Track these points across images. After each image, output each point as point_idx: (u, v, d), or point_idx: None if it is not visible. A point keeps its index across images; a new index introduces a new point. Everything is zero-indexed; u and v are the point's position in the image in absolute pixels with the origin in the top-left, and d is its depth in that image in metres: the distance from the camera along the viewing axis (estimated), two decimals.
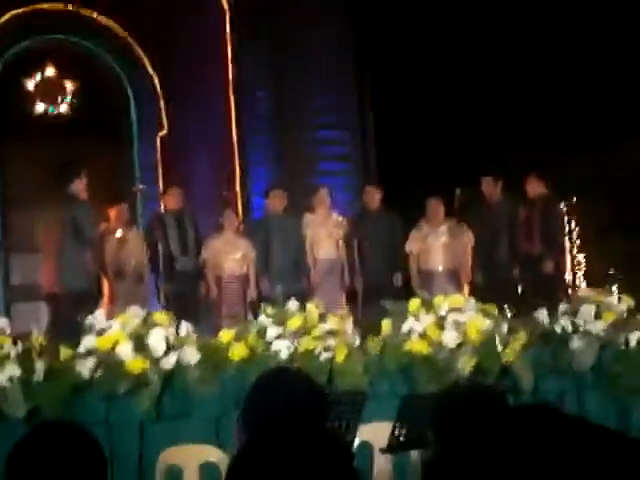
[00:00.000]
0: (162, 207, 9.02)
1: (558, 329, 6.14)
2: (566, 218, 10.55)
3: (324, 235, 8.46)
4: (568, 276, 9.16)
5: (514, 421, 1.57)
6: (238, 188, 10.78)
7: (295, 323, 5.57)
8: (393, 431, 4.60)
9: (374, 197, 8.70)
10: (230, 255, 8.20)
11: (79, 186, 6.96)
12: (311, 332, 5.57)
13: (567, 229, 10.68)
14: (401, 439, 4.59)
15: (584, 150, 11.52)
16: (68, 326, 5.83)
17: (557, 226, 8.55)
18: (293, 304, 5.73)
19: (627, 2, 10.71)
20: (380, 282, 8.39)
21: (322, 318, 5.72)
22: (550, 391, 5.98)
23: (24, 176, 10.22)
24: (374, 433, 5.00)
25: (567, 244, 10.07)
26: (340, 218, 8.58)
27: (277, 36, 10.94)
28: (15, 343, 5.11)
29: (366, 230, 8.55)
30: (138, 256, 8.02)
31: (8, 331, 5.17)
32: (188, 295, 8.07)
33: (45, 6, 10.30)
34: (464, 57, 11.34)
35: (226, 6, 10.98)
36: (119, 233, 7.93)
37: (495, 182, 8.64)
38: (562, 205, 8.73)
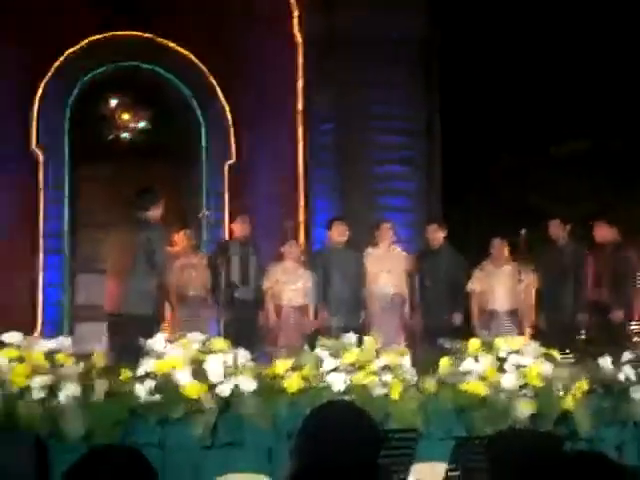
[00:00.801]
0: (227, 234, 9.11)
1: (621, 378, 6.01)
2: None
3: (385, 269, 8.45)
4: (634, 324, 8.95)
5: (570, 467, 1.55)
6: (301, 218, 10.85)
7: (352, 356, 5.56)
8: (447, 473, 4.55)
9: (437, 234, 8.66)
10: (290, 285, 8.24)
11: (156, 212, 7.03)
12: (367, 366, 5.55)
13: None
14: None
15: None
16: (130, 349, 5.90)
17: (628, 275, 8.35)
18: (351, 337, 5.72)
19: None
20: (440, 320, 8.33)
21: (379, 353, 5.69)
22: (609, 441, 5.84)
23: (94, 198, 10.46)
24: (427, 473, 4.94)
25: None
26: (403, 253, 8.55)
27: (347, 70, 11.04)
28: (77, 362, 5.19)
29: (428, 267, 8.52)
30: (201, 282, 8.11)
31: (70, 350, 5.26)
32: (247, 323, 8.12)
33: (122, 33, 10.57)
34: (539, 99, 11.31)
35: (299, 38, 11.13)
36: (183, 258, 8.04)
37: (563, 225, 8.53)
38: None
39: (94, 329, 9.05)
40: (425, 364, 6.11)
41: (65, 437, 5.02)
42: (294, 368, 5.58)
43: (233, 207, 10.12)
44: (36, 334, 8.87)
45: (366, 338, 5.79)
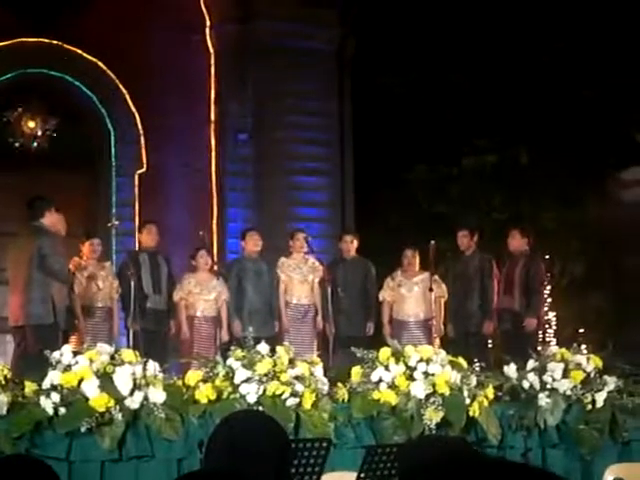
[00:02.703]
0: (137, 244, 8.99)
1: (526, 385, 6.15)
2: None
3: (298, 280, 8.47)
4: (539, 333, 9.18)
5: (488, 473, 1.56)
6: (215, 229, 10.78)
7: (264, 367, 5.55)
8: None
9: (350, 244, 8.73)
10: (203, 296, 8.17)
11: (49, 219, 6.92)
12: (280, 377, 5.55)
13: None
14: None
15: (556, 203, 11.73)
16: (34, 360, 5.76)
17: (539, 284, 8.55)
18: (263, 347, 5.71)
19: None
20: (352, 329, 8.39)
21: (292, 363, 5.70)
22: (515, 446, 5.98)
23: None
24: None
25: None
26: (316, 263, 8.59)
27: (261, 80, 11.06)
28: None
29: (340, 276, 8.57)
30: (108, 293, 7.98)
31: None
32: (157, 334, 8.02)
33: (29, 40, 10.34)
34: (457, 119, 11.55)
35: (212, 48, 11.09)
36: (90, 268, 7.90)
37: (471, 235, 8.70)
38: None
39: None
40: (337, 373, 6.15)
41: None
42: (206, 379, 5.54)
43: (145, 217, 9.98)
44: None
45: (279, 348, 5.79)
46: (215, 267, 8.90)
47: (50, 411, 5.05)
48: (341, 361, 7.38)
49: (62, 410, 5.06)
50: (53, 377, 5.12)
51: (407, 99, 11.88)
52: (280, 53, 10.97)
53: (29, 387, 5.15)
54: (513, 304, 8.38)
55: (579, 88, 11.79)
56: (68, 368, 5.16)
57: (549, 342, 10.54)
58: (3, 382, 5.11)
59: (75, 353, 5.27)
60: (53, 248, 6.76)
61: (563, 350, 6.35)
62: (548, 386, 6.10)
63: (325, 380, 5.78)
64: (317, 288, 8.50)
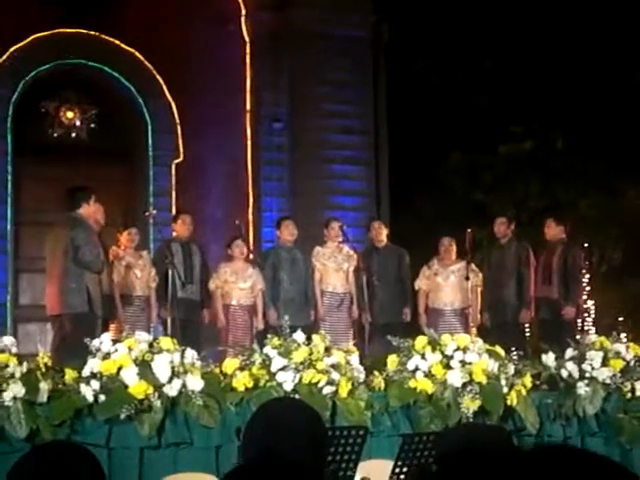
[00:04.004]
0: (173, 234, 9.05)
1: (565, 374, 6.11)
2: None
3: (333, 268, 8.47)
4: (577, 321, 9.11)
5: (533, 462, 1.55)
6: (250, 218, 10.81)
7: (300, 355, 5.56)
8: (394, 469, 4.57)
9: (381, 232, 8.72)
10: (239, 284, 8.21)
11: (87, 210, 7.00)
12: (316, 365, 5.56)
13: None
14: (402, 478, 4.56)
15: (593, 190, 11.60)
16: (74, 348, 5.83)
17: (577, 272, 8.47)
18: (299, 336, 5.72)
19: None
20: (388, 317, 8.38)
21: (328, 351, 5.71)
22: (554, 435, 5.94)
23: (37, 198, 10.29)
24: (374, 470, 4.96)
25: None
26: (351, 252, 8.58)
27: (297, 70, 11.05)
28: (20, 363, 5.11)
29: (375, 265, 8.56)
30: (146, 281, 8.05)
31: (14, 350, 5.18)
32: (190, 323, 8.06)
33: (68, 30, 10.43)
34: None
35: (247, 37, 11.10)
36: (128, 258, 7.97)
37: (508, 223, 8.63)
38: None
39: (39, 329, 8.93)
40: (373, 362, 6.15)
41: (9, 438, 4.94)
42: (243, 367, 5.57)
43: (181, 206, 10.04)
44: None
45: (315, 337, 5.80)
46: (251, 256, 8.93)
47: (90, 398, 5.11)
48: (377, 350, 7.37)
49: (102, 397, 5.12)
50: (93, 365, 5.18)
51: (442, 86, 11.82)
52: (315, 40, 10.95)
53: (69, 375, 5.22)
54: (551, 293, 8.31)
55: (617, 73, 11.63)
56: (107, 356, 5.21)
57: (588, 330, 10.44)
58: (44, 370, 5.18)
59: (114, 341, 5.33)
60: (86, 239, 6.82)
61: (602, 338, 6.29)
62: (587, 375, 6.05)
63: (361, 368, 5.78)
64: (352, 277, 8.49)
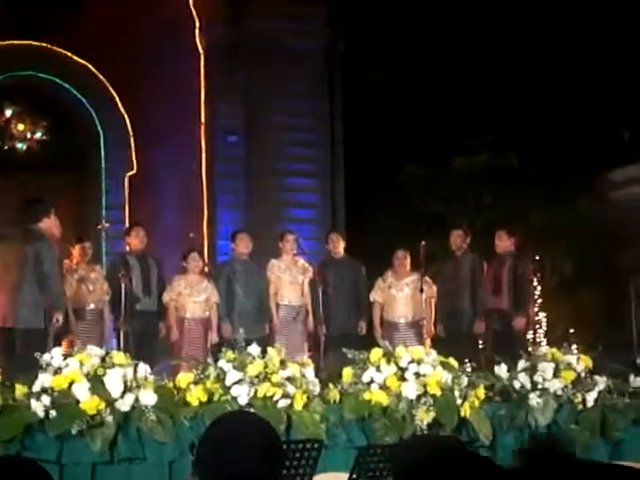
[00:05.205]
0: (127, 247, 8.98)
1: (517, 386, 6.16)
2: None
3: (288, 281, 8.47)
4: (529, 333, 9.20)
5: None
6: (205, 230, 10.77)
7: (255, 368, 5.54)
8: None
9: (338, 245, 8.74)
10: (193, 297, 8.17)
11: (47, 224, 6.89)
12: (271, 378, 5.54)
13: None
14: None
15: (545, 203, 11.76)
16: (23, 362, 5.74)
17: (527, 284, 8.58)
18: (254, 349, 5.70)
19: None
20: (344, 330, 8.40)
21: (283, 364, 5.69)
22: (507, 446, 5.99)
23: None
24: None
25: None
26: (306, 264, 8.59)
27: (252, 82, 11.04)
28: None
29: (330, 277, 8.58)
30: (99, 295, 7.97)
31: None
32: (148, 335, 8.01)
33: (19, 42, 10.31)
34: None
35: (201, 49, 11.08)
36: (80, 271, 7.89)
37: (465, 236, 8.72)
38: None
39: None
40: (328, 374, 6.15)
41: None
42: (197, 381, 5.53)
43: (135, 219, 9.96)
44: None
45: (270, 349, 5.79)
46: (206, 269, 8.89)
47: (41, 414, 5.03)
48: (332, 362, 7.38)
49: (53, 413, 5.04)
50: (44, 380, 5.10)
51: (397, 98, 11.90)
52: (269, 53, 10.97)
53: (19, 390, 5.14)
54: (502, 304, 8.41)
55: (568, 87, 11.84)
56: (59, 371, 5.14)
57: (540, 342, 10.57)
58: None
59: (65, 356, 5.26)
60: (49, 254, 6.74)
61: (554, 350, 6.36)
62: (539, 386, 6.11)
63: (316, 381, 5.77)
64: (307, 289, 8.50)
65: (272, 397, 5.48)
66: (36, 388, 5.10)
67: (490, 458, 1.59)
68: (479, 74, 11.90)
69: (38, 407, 5.03)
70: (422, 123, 11.72)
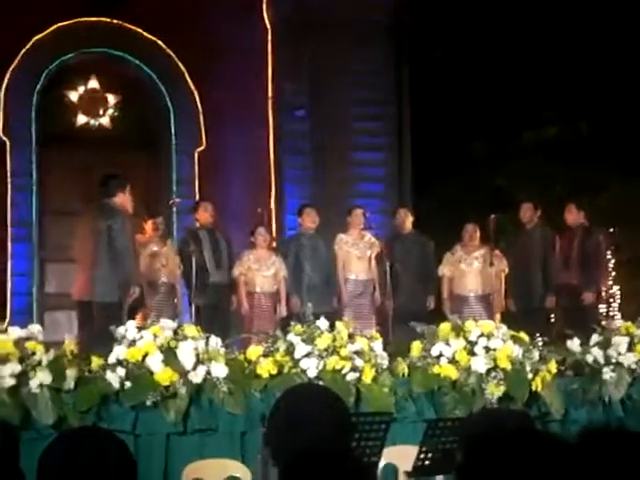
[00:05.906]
0: (196, 222, 9.09)
1: (590, 360, 6.08)
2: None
3: (356, 255, 8.47)
4: (602, 307, 9.04)
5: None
6: (273, 205, 10.82)
7: (324, 342, 5.58)
8: (419, 455, 4.58)
9: (405, 219, 8.70)
10: (262, 272, 8.24)
11: (122, 199, 7.00)
12: (339, 351, 5.57)
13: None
14: (426, 463, 4.57)
15: (619, 175, 11.49)
16: (100, 335, 5.87)
17: (597, 258, 8.41)
18: (322, 323, 5.73)
19: None
20: (412, 304, 8.37)
21: (351, 338, 5.72)
22: (579, 421, 5.92)
23: (62, 186, 10.35)
24: (399, 456, 4.98)
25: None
26: (373, 239, 8.58)
27: (318, 57, 11.00)
28: (47, 351, 5.16)
29: (398, 252, 8.55)
30: (171, 269, 8.10)
31: (41, 338, 5.23)
32: (220, 308, 8.13)
33: (90, 19, 10.46)
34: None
35: (269, 25, 11.08)
36: (153, 246, 8.01)
37: (535, 209, 8.58)
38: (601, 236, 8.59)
39: (65, 317, 9.01)
40: (397, 348, 6.16)
41: (35, 425, 5.00)
42: (266, 354, 5.59)
43: (204, 194, 10.06)
44: (5, 323, 8.79)
45: (338, 323, 5.82)
46: (274, 244, 8.95)
47: (116, 385, 5.15)
48: (400, 336, 7.37)
49: (128, 384, 5.16)
50: (118, 352, 5.22)
51: (466, 72, 11.73)
52: (336, 28, 10.90)
53: (95, 362, 5.27)
54: (571, 279, 8.27)
55: (635, 52, 11.50)
56: (133, 343, 5.25)
57: (614, 316, 10.38)
58: (70, 357, 5.23)
59: (139, 328, 5.37)
60: (123, 229, 6.84)
61: (628, 324, 6.25)
62: (613, 360, 6.02)
63: (385, 354, 5.79)
64: (375, 264, 8.50)
65: (341, 370, 5.52)
66: (111, 360, 5.22)
67: (556, 435, 1.58)
68: (547, 45, 11.64)
69: (113, 379, 5.15)
70: (491, 97, 11.54)
